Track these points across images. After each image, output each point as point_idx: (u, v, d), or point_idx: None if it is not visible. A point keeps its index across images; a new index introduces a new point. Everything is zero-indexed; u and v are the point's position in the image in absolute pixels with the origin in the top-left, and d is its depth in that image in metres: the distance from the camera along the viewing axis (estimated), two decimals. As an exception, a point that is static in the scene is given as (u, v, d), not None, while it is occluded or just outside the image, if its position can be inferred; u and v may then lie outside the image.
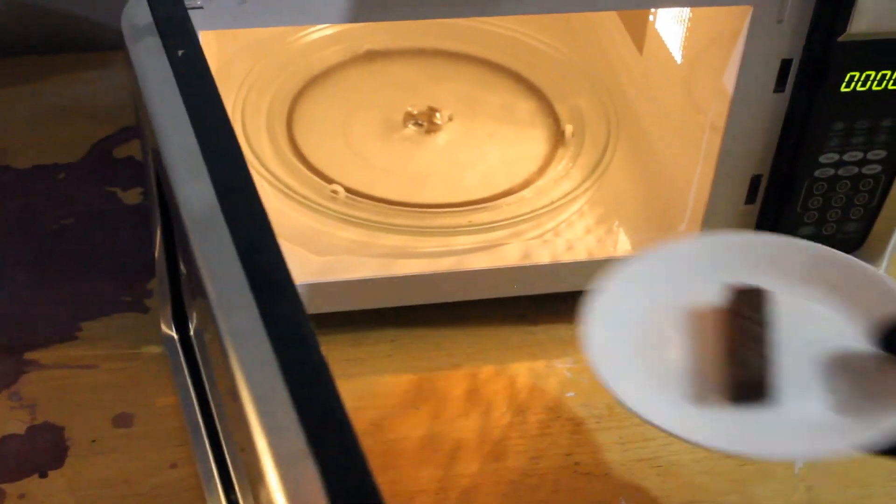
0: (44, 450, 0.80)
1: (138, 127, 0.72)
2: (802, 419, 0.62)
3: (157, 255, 0.79)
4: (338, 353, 0.87)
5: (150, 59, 0.65)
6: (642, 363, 0.66)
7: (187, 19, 0.68)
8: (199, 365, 0.80)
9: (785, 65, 0.80)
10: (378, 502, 0.44)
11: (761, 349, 0.64)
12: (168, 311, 0.81)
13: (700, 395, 0.64)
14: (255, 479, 0.47)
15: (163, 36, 0.66)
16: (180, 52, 0.65)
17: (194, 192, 0.57)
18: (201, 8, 0.70)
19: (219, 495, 0.74)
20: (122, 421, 0.82)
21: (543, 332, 0.90)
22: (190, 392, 0.79)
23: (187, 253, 0.55)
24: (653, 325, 0.68)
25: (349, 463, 0.45)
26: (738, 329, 0.66)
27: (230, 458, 0.74)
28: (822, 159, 0.83)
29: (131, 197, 1.00)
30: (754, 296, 0.68)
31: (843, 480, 0.81)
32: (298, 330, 0.50)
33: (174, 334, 0.82)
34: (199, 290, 0.53)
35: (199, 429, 0.77)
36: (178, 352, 0.81)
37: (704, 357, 0.66)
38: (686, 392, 0.64)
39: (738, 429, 0.62)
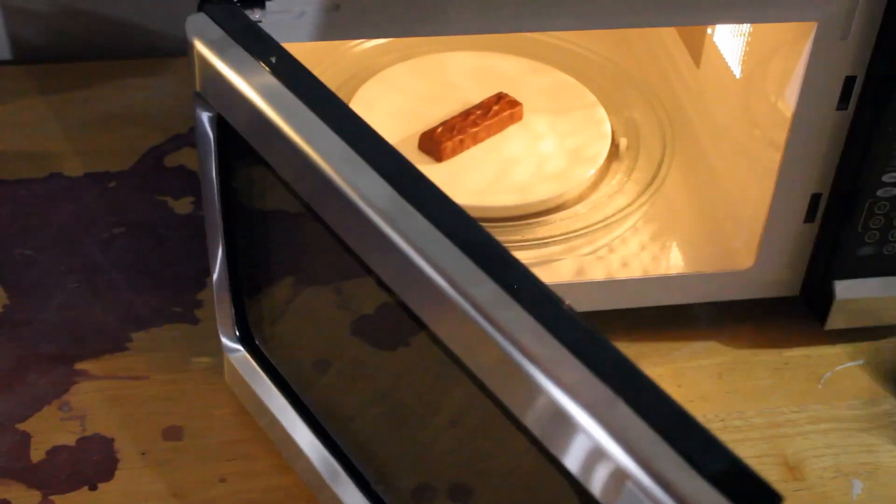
0: (94, 462, 0.80)
1: (199, 132, 0.71)
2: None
3: (215, 271, 0.78)
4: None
5: (244, 68, 0.65)
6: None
7: (259, 29, 0.68)
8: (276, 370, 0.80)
9: (849, 82, 0.79)
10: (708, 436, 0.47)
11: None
12: (231, 322, 0.80)
13: None
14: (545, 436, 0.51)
15: (246, 46, 0.66)
16: (273, 59, 0.65)
17: (370, 187, 0.58)
18: (260, 22, 0.70)
19: (352, 489, 0.74)
20: (173, 434, 0.82)
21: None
22: (279, 398, 0.78)
23: (378, 245, 0.58)
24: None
25: (668, 408, 0.49)
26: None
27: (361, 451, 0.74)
28: (885, 178, 0.82)
29: (182, 206, 1.00)
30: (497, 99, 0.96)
31: (903, 507, 0.80)
32: (545, 295, 0.53)
33: (238, 344, 0.81)
34: (412, 279, 0.56)
35: (303, 432, 0.77)
36: (248, 360, 0.81)
37: None
38: None
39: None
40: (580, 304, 0.86)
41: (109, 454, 0.80)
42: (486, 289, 0.53)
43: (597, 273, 0.88)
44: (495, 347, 0.52)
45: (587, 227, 0.90)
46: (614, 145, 0.97)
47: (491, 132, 0.95)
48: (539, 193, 0.91)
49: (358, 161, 0.59)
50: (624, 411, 0.49)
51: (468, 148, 0.94)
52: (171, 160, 1.05)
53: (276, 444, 0.80)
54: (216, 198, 0.74)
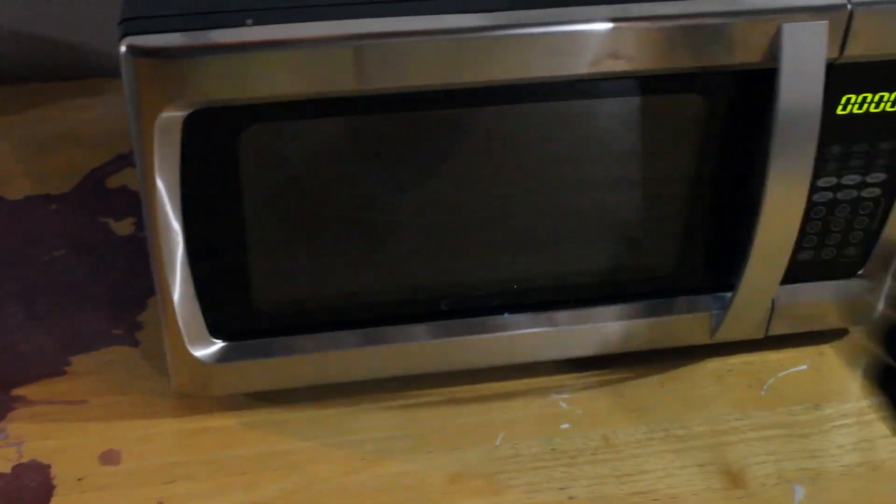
0: (30, 489, 0.79)
1: (161, 140, 0.70)
2: None
3: (172, 286, 0.77)
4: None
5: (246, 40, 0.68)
6: None
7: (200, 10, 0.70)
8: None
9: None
10: None
11: None
12: (203, 328, 0.80)
13: None
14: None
15: (216, 26, 0.68)
16: (249, 21, 0.68)
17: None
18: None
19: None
20: (110, 458, 0.81)
21: (540, 363, 0.88)
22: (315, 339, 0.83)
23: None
24: None
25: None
26: None
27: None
28: (820, 183, 0.82)
29: (124, 227, 0.99)
30: None
31: (844, 512, 0.80)
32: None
33: (223, 341, 0.82)
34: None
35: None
36: (247, 345, 0.82)
37: None
38: None
39: None
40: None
41: (46, 481, 0.79)
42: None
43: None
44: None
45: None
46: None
47: None
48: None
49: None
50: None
51: None
52: (113, 181, 1.05)
53: (337, 373, 0.84)
54: (178, 203, 0.73)
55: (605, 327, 0.86)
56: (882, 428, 0.85)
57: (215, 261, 0.78)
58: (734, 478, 0.81)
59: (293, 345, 0.82)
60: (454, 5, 0.70)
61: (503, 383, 0.87)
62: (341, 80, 0.69)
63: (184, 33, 0.68)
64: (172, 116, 0.70)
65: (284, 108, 0.72)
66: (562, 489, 0.80)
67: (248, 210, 0.76)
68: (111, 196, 1.03)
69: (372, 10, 0.69)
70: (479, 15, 0.70)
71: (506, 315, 0.84)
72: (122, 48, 0.68)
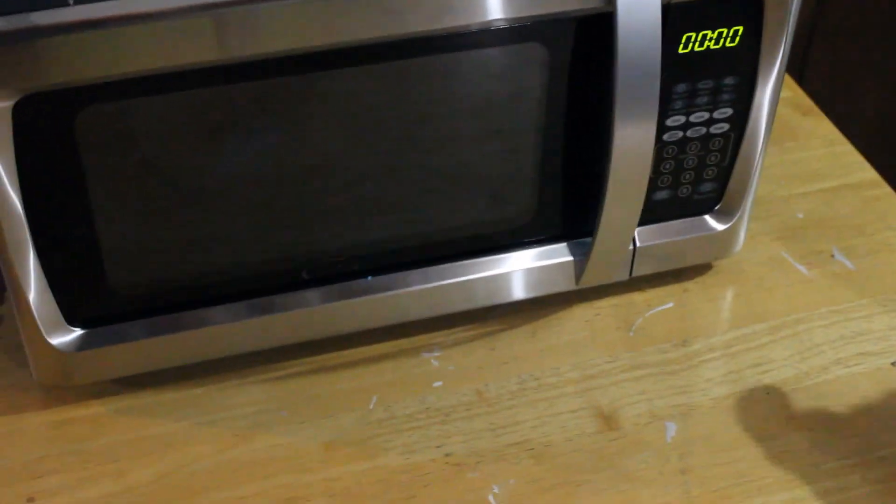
0: None
1: None
2: None
3: (24, 280, 0.75)
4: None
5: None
6: None
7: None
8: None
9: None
10: None
11: None
12: (60, 317, 0.79)
13: None
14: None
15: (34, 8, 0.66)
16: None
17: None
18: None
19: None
20: (-24, 457, 0.79)
21: (409, 323, 0.88)
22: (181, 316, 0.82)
23: None
24: None
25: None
26: None
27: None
28: (669, 122, 0.82)
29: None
30: None
31: (712, 446, 0.81)
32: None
33: (80, 328, 0.80)
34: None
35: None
36: (110, 331, 0.81)
37: None
38: None
39: None
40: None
41: None
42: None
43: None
44: None
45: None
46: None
47: None
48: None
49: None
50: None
51: None
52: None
53: (202, 351, 0.83)
54: (17, 191, 0.71)
55: (472, 282, 0.86)
56: (748, 358, 0.87)
57: (65, 247, 0.76)
58: (607, 420, 0.82)
59: (155, 326, 0.81)
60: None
61: (373, 346, 0.87)
62: (170, 54, 0.68)
63: (2, 17, 0.66)
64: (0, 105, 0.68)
65: (120, 87, 0.70)
66: (438, 447, 0.80)
67: (93, 193, 0.74)
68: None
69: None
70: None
71: (369, 278, 0.84)
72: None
